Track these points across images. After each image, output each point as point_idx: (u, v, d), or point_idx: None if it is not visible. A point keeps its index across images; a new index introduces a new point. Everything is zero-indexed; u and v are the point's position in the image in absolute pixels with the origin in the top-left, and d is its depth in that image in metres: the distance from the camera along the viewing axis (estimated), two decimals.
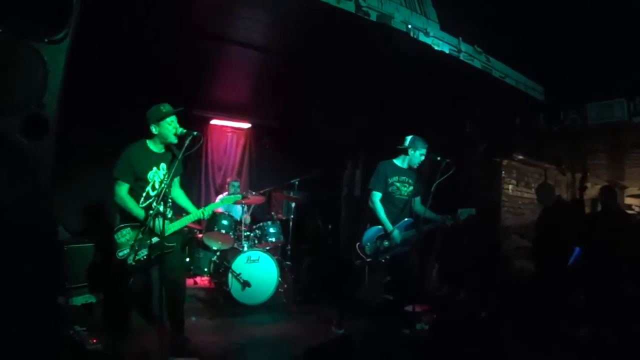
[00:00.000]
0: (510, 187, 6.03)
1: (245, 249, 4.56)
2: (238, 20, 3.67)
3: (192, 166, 6.48)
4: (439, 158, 3.60)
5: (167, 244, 2.92)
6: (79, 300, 3.85)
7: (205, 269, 5.02)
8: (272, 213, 5.90)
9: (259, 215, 6.09)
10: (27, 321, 1.90)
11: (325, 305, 4.60)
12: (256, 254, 4.52)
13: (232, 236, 4.64)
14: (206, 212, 3.22)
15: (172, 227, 3.06)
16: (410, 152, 3.87)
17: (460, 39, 4.42)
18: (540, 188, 5.04)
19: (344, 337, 3.45)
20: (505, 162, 5.89)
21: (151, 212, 2.82)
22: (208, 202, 6.27)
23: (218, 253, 4.80)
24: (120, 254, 2.95)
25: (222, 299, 4.27)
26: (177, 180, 3.30)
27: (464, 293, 5.15)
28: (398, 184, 3.87)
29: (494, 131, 5.52)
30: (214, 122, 6.69)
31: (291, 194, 5.96)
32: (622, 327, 3.63)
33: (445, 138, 4.93)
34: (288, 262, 5.30)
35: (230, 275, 4.27)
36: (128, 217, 2.99)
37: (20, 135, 1.89)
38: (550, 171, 6.85)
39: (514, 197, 6.09)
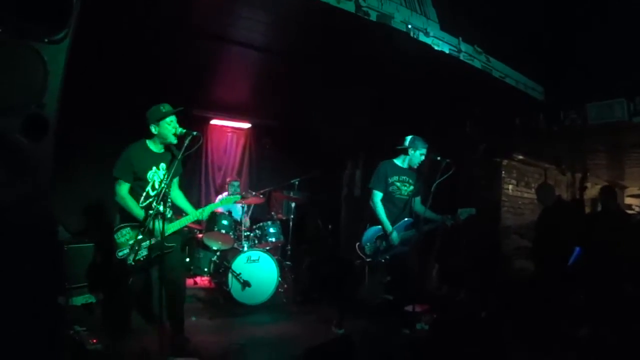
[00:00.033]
0: (510, 187, 6.03)
1: (245, 249, 4.56)
2: (238, 20, 3.67)
3: (192, 166, 6.48)
4: (439, 158, 3.60)
5: (166, 244, 2.92)
6: (79, 300, 3.85)
7: (205, 269, 5.02)
8: (272, 213, 5.90)
9: (259, 215, 6.09)
10: (27, 321, 1.90)
11: (325, 305, 4.59)
12: (256, 254, 4.52)
13: (232, 236, 4.64)
14: (204, 213, 3.22)
15: (170, 228, 3.06)
16: (411, 152, 3.87)
17: (460, 39, 4.42)
18: (540, 188, 5.04)
19: (344, 337, 3.44)
20: (505, 162, 5.89)
21: (151, 212, 2.82)
22: (208, 202, 6.27)
23: (218, 253, 4.80)
24: (120, 253, 2.95)
25: (222, 299, 4.27)
26: (176, 180, 3.30)
27: (464, 293, 5.15)
28: (398, 184, 3.87)
29: (494, 131, 5.52)
30: (214, 122, 6.69)
31: (291, 194, 5.96)
32: (622, 327, 3.63)
33: (445, 138, 4.94)
34: (288, 262, 5.30)
35: (230, 275, 4.27)
36: (128, 217, 2.99)
37: (20, 135, 1.89)
38: (550, 171, 6.85)
39: (514, 197, 6.09)
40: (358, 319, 4.06)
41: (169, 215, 3.11)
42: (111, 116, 4.91)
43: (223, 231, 4.59)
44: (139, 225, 2.96)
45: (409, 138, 3.91)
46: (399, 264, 3.85)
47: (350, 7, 3.46)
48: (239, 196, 4.12)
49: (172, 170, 2.87)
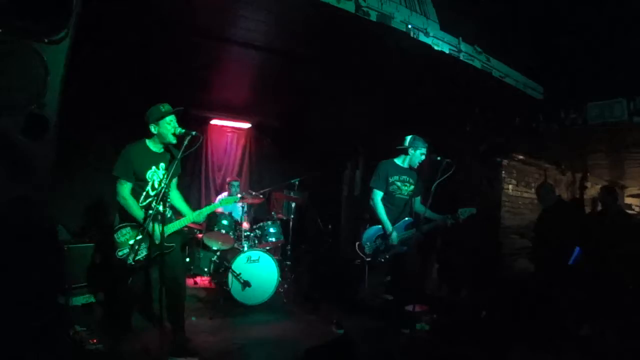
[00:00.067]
0: (510, 187, 6.03)
1: (246, 249, 4.56)
2: (238, 20, 3.67)
3: (192, 166, 6.49)
4: (439, 158, 3.60)
5: (166, 244, 2.92)
6: (79, 300, 3.85)
7: (205, 269, 5.01)
8: (272, 213, 5.90)
9: (259, 215, 6.10)
10: (27, 321, 1.90)
11: (325, 305, 4.59)
12: (256, 254, 4.52)
13: (232, 236, 4.64)
14: (201, 216, 3.23)
15: (169, 229, 3.06)
16: (411, 151, 3.87)
17: (460, 39, 4.42)
18: (540, 188, 5.03)
19: (344, 337, 3.45)
20: (505, 162, 5.88)
21: (151, 211, 2.82)
22: (208, 202, 6.28)
23: (218, 253, 4.80)
24: (120, 253, 2.95)
25: (222, 299, 4.27)
26: (174, 181, 3.30)
27: (464, 293, 5.16)
28: (399, 183, 3.87)
29: (494, 131, 5.52)
30: (214, 122, 6.70)
31: (291, 194, 5.96)
32: (623, 327, 3.63)
33: (445, 138, 4.94)
34: (288, 262, 5.30)
35: (230, 275, 4.27)
36: (127, 217, 2.99)
37: (21, 135, 1.89)
38: (550, 171, 6.85)
39: (514, 197, 6.09)
40: (358, 319, 4.06)
41: (168, 215, 3.11)
42: (111, 116, 4.91)
43: (223, 231, 4.59)
44: (139, 225, 2.96)
45: (409, 138, 3.91)
46: (399, 264, 3.85)
47: (350, 7, 3.45)
48: (237, 197, 4.14)
49: (172, 170, 2.88)
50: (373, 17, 3.65)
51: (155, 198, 2.96)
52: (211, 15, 3.61)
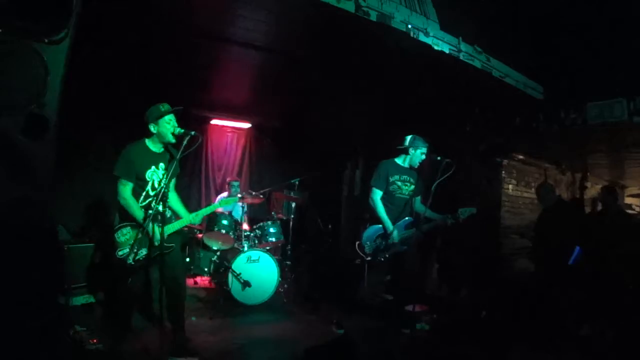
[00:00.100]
0: (510, 187, 6.03)
1: (246, 248, 4.56)
2: (238, 20, 3.67)
3: (192, 166, 6.49)
4: (439, 158, 3.60)
5: (166, 244, 2.92)
6: (79, 300, 3.85)
7: (206, 269, 5.01)
8: (272, 213, 5.90)
9: (259, 215, 6.10)
10: (27, 321, 1.90)
11: (325, 305, 4.59)
12: (256, 253, 4.52)
13: (232, 236, 4.64)
14: (197, 217, 3.23)
15: (167, 230, 3.05)
16: (411, 151, 3.88)
17: (460, 38, 4.42)
18: (540, 188, 5.03)
19: (344, 337, 3.45)
20: (505, 162, 5.88)
21: (150, 211, 2.82)
22: (208, 202, 6.29)
23: (218, 253, 4.80)
24: (120, 253, 2.95)
25: (222, 299, 4.27)
26: (173, 181, 3.30)
27: (464, 293, 5.16)
28: (399, 183, 3.87)
29: (494, 131, 5.52)
30: (214, 122, 6.70)
31: (291, 194, 5.96)
32: (623, 327, 3.63)
33: (446, 138, 4.93)
34: (288, 262, 5.30)
35: (230, 275, 4.27)
36: (127, 216, 2.99)
37: (21, 135, 1.89)
38: (550, 171, 6.85)
39: (514, 197, 6.09)
40: (358, 319, 4.06)
41: (168, 215, 3.11)
42: (111, 116, 4.91)
43: (223, 231, 4.59)
44: (139, 224, 2.96)
45: (409, 137, 3.92)
46: (399, 263, 3.85)
47: (350, 7, 3.45)
48: (236, 198, 4.14)
49: (171, 170, 2.88)
50: (373, 17, 3.65)
51: (155, 198, 2.96)
52: (211, 15, 3.61)
